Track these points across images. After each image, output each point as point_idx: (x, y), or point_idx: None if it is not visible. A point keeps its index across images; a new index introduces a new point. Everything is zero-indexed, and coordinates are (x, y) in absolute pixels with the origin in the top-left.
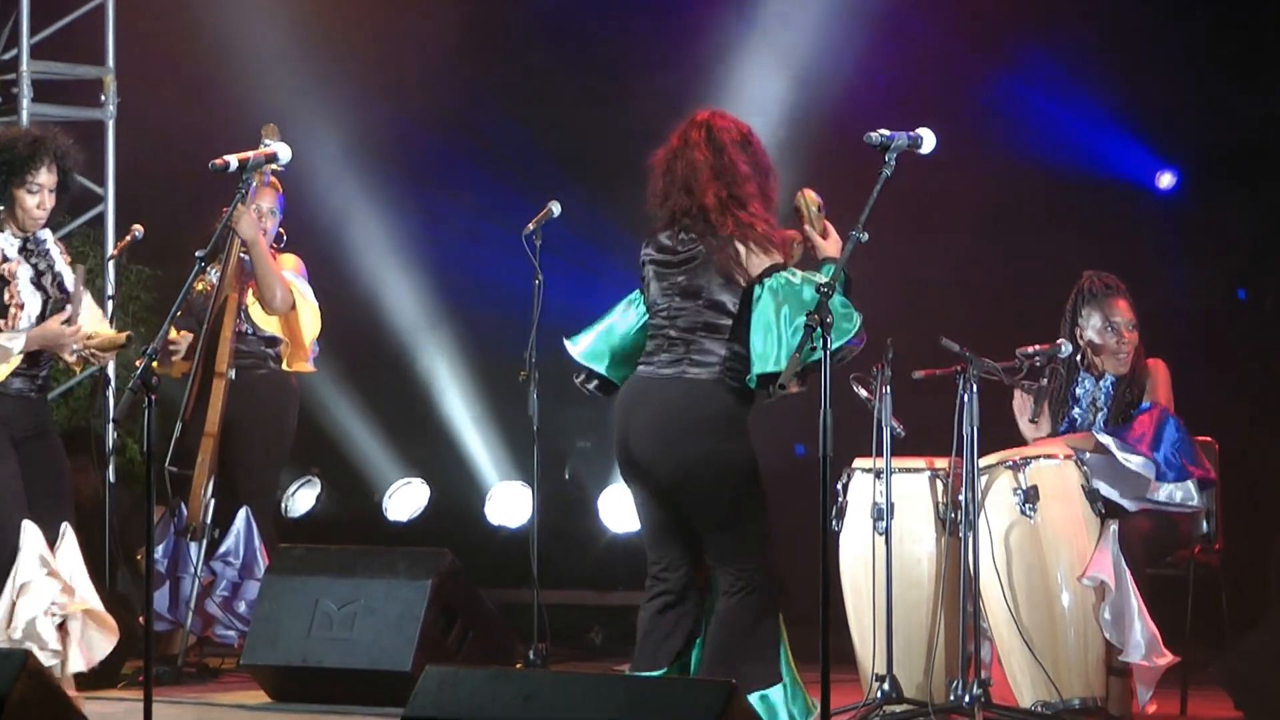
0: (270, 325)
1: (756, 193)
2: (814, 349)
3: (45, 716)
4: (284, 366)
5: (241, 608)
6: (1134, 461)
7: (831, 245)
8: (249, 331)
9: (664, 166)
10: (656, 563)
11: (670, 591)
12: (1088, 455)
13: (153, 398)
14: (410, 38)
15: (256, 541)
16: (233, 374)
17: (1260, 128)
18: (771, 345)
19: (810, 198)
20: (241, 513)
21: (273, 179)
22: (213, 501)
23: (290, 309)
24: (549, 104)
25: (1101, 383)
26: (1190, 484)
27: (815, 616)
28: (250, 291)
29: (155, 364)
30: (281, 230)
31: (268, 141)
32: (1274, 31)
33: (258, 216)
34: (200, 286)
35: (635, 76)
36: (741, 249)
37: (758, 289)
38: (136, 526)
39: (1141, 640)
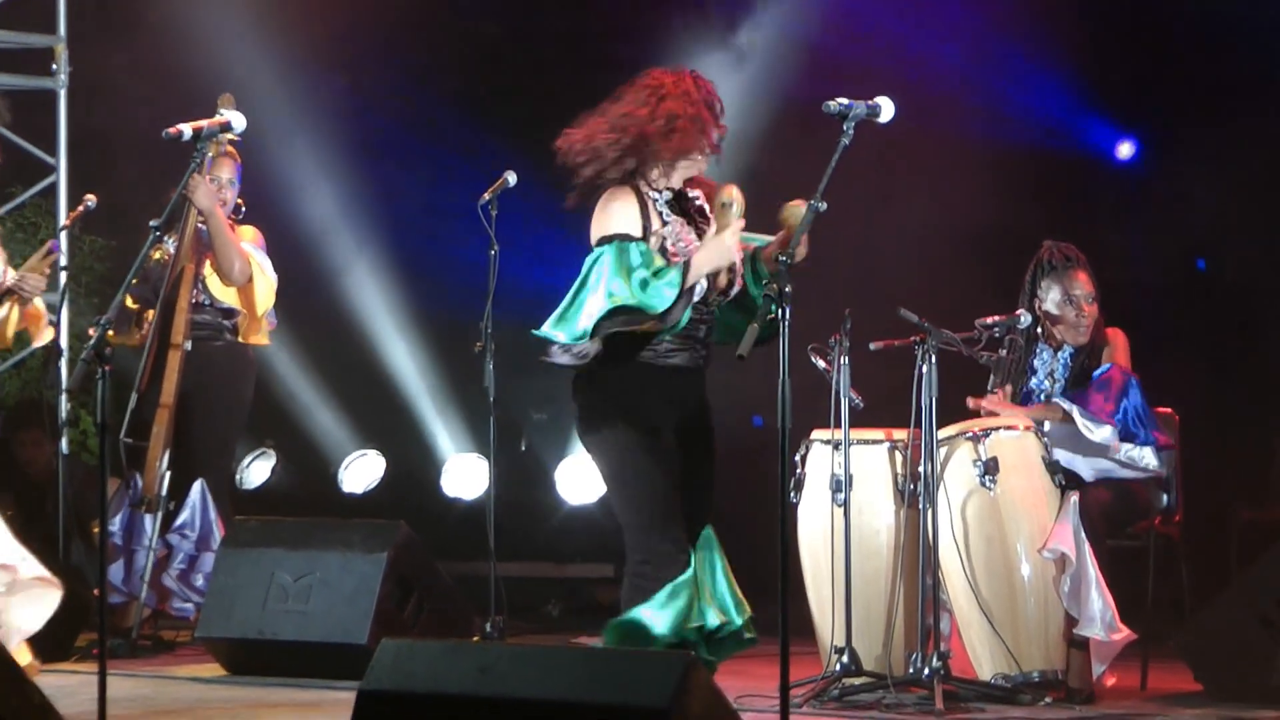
0: (228, 297)
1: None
2: (771, 319)
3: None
4: (240, 339)
5: (198, 581)
6: (1097, 433)
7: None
8: (206, 303)
9: None
10: None
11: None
12: (1048, 425)
13: (106, 369)
14: (362, 8)
15: (212, 514)
16: (189, 345)
17: (1220, 97)
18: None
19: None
20: (196, 485)
21: (230, 149)
22: (168, 474)
23: (248, 280)
24: (502, 74)
25: (1060, 354)
26: (1150, 449)
27: (774, 589)
28: (208, 263)
29: (112, 333)
30: (240, 201)
31: (223, 111)
32: (1233, 1)
33: (216, 187)
34: (158, 256)
35: (589, 47)
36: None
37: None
38: (90, 498)
39: (1098, 614)
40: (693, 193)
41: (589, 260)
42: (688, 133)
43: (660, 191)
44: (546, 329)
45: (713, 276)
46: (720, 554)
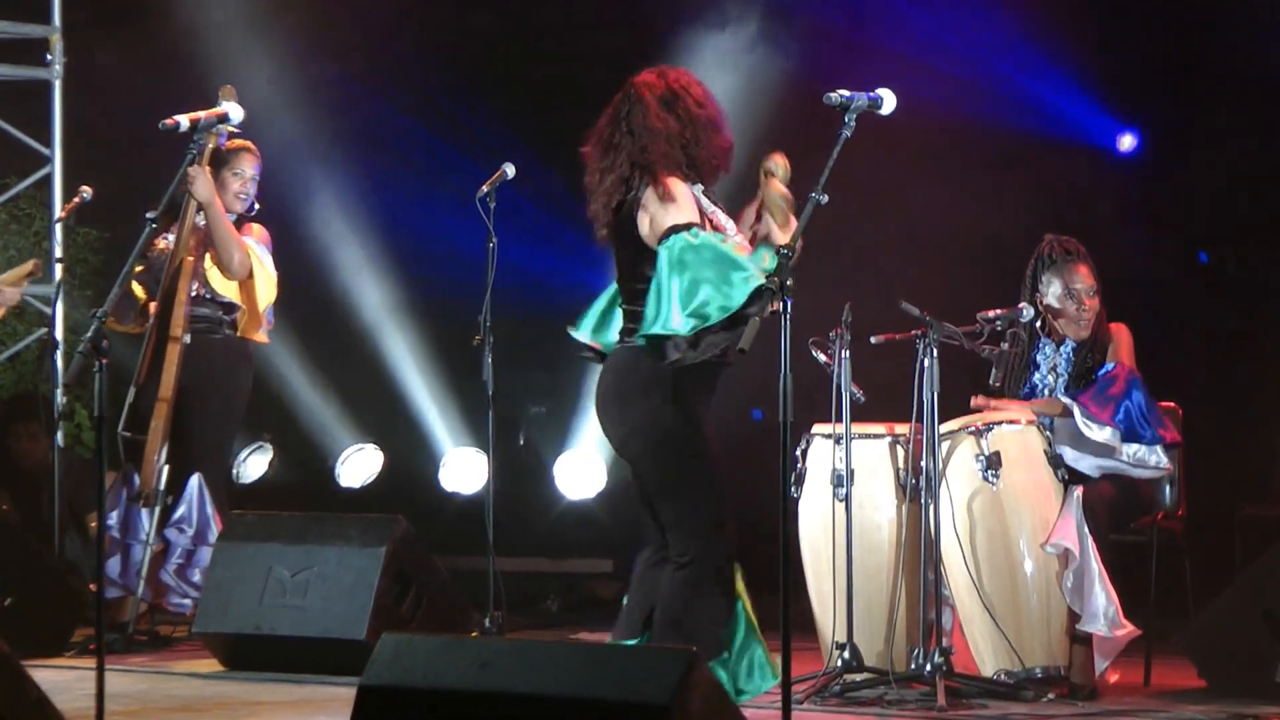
0: (229, 290)
1: (668, 150)
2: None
3: None
4: (238, 334)
5: (195, 575)
6: (1097, 433)
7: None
8: (206, 296)
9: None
10: (647, 526)
11: (661, 548)
12: (1052, 420)
13: (104, 361)
14: None
15: (209, 508)
16: (187, 338)
17: (1221, 89)
18: (654, 306)
19: (779, 162)
20: (193, 479)
21: (249, 144)
22: (165, 468)
23: (248, 274)
24: (498, 66)
25: (1062, 349)
26: (1159, 447)
27: (775, 584)
28: (209, 256)
29: (114, 320)
30: (256, 200)
31: (222, 102)
32: None
33: (240, 183)
34: (162, 246)
35: (584, 38)
36: (644, 212)
37: (659, 250)
38: (85, 492)
39: (1101, 610)
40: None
41: (673, 251)
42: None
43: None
44: (661, 328)
45: None
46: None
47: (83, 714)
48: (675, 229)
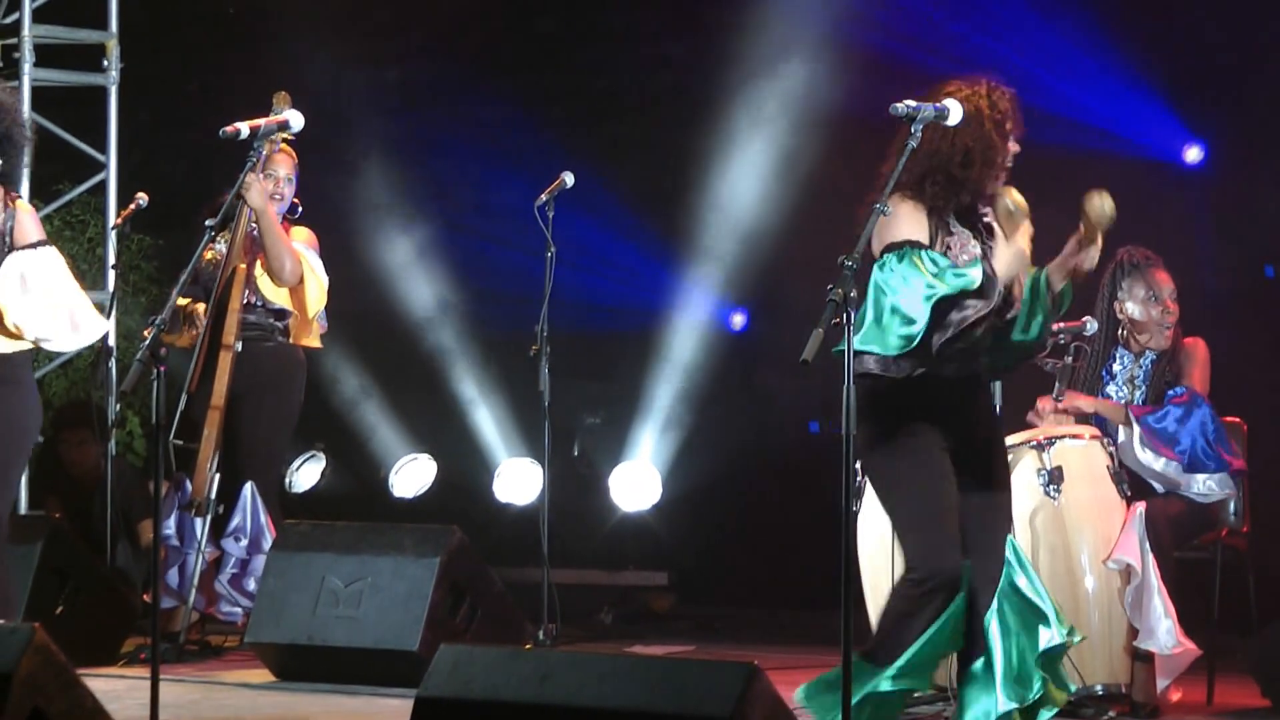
0: (280, 297)
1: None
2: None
3: (52, 692)
4: (290, 340)
5: (250, 584)
6: (1153, 461)
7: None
8: (257, 303)
9: None
10: None
11: None
12: (1120, 438)
13: (161, 369)
14: (418, 3)
15: (263, 517)
16: (239, 346)
17: None
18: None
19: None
20: (246, 488)
21: (285, 146)
22: (217, 476)
23: (299, 281)
24: (558, 73)
25: (1141, 360)
26: (1224, 475)
27: (835, 598)
28: (259, 263)
29: (165, 333)
30: (296, 200)
31: (278, 109)
32: None
33: (273, 183)
34: (210, 256)
35: (646, 45)
36: (872, 231)
37: None
38: (136, 500)
39: (1160, 628)
40: (982, 209)
41: (880, 270)
42: (983, 166)
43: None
44: (861, 344)
45: (1009, 286)
46: (1021, 608)
47: None
48: None
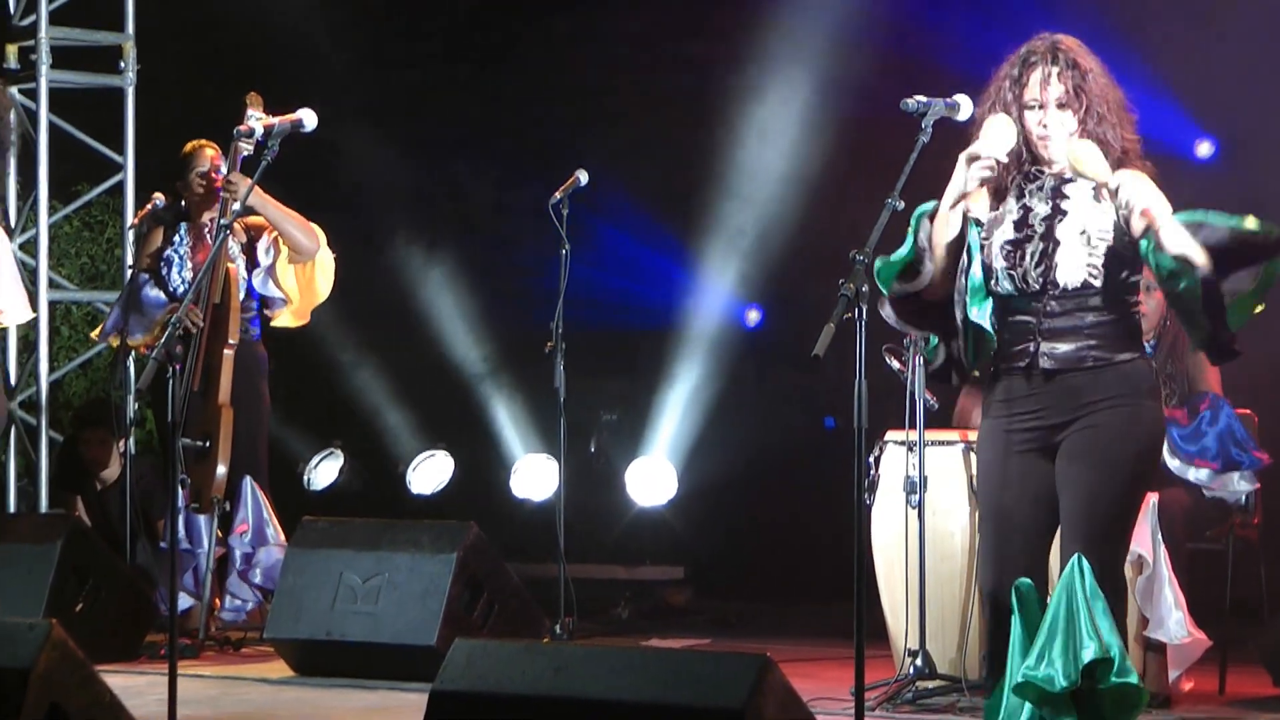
0: (285, 278)
1: None
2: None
3: (71, 688)
4: (278, 322)
5: (256, 577)
6: (1186, 472)
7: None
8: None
9: None
10: None
11: None
12: None
13: (177, 367)
14: (432, 3)
15: (265, 510)
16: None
17: None
18: None
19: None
20: (245, 483)
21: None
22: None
23: (319, 245)
24: (573, 73)
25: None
26: (1253, 472)
27: (848, 591)
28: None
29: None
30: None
31: (252, 113)
32: None
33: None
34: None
35: (661, 46)
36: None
37: None
38: (156, 499)
39: (1170, 619)
40: None
41: None
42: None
43: None
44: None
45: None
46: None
47: (155, 719)
48: None
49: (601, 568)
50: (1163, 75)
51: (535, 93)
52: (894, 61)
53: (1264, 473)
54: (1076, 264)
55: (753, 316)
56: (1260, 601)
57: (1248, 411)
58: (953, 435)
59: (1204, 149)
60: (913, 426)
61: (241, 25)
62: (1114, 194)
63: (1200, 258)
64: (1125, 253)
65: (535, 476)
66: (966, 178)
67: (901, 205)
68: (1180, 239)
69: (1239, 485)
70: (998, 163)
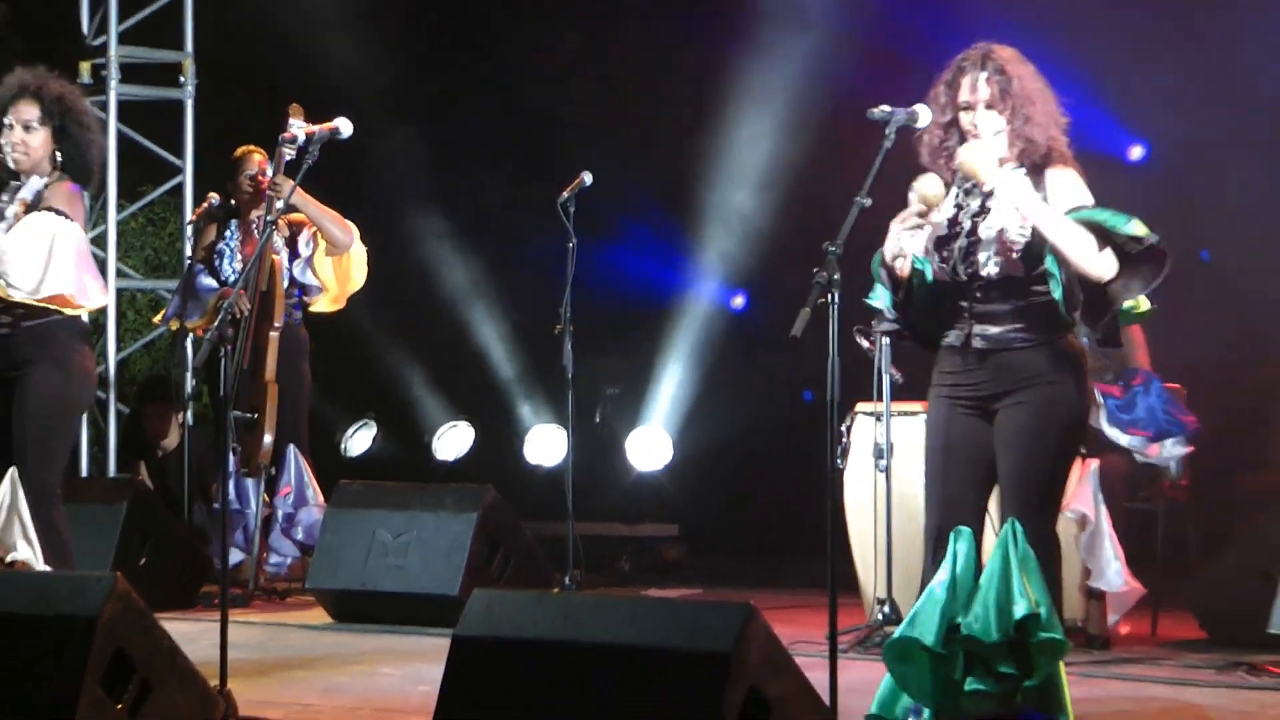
0: (321, 267)
1: None
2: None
3: (133, 635)
4: (316, 308)
5: (298, 534)
6: (1123, 439)
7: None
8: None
9: None
10: None
11: None
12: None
13: (229, 348)
14: (456, 8)
15: (306, 474)
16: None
17: (1227, 101)
18: None
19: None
20: (289, 451)
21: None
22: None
23: (353, 239)
24: (582, 82)
25: None
26: (1184, 437)
27: (823, 547)
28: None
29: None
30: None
31: (294, 121)
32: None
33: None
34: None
35: (664, 56)
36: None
37: None
38: (207, 466)
39: (1110, 570)
40: None
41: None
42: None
43: None
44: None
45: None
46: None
47: (209, 662)
48: None
49: (606, 525)
50: (1099, 84)
51: (547, 100)
52: (876, 63)
53: (1191, 438)
54: (996, 258)
55: (739, 301)
56: (1188, 554)
57: (1177, 386)
58: (916, 406)
59: (1136, 152)
60: (880, 399)
61: (287, 42)
62: (991, 195)
63: (1074, 254)
64: (1040, 246)
65: (546, 444)
66: (900, 240)
67: (869, 203)
68: (1059, 234)
69: (1173, 450)
70: (922, 214)
